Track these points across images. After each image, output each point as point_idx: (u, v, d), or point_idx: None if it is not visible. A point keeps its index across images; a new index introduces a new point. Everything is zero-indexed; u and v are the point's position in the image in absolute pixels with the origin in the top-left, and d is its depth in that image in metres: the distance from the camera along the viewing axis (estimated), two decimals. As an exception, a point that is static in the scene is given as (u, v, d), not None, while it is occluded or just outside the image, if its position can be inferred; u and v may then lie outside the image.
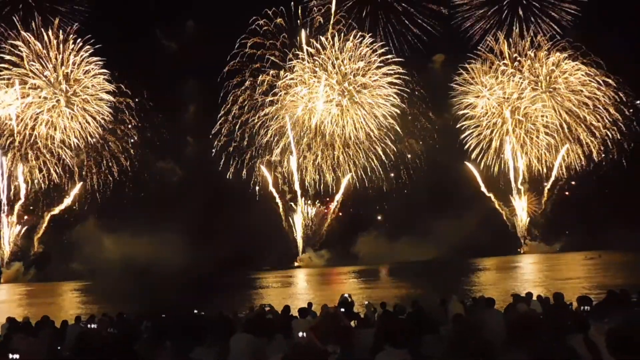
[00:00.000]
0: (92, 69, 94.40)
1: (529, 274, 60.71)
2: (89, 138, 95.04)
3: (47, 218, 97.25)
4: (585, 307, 13.67)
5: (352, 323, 14.27)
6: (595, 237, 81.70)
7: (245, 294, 48.10)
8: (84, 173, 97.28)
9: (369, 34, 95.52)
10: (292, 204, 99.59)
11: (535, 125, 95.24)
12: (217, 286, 62.82)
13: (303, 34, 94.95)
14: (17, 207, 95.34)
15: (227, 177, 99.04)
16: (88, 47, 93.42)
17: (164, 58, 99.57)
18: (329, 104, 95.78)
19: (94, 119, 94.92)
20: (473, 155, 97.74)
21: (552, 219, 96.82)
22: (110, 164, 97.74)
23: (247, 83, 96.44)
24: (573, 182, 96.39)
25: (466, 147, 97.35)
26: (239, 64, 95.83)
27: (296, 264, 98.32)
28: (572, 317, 10.42)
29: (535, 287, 35.11)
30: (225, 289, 57.75)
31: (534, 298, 17.12)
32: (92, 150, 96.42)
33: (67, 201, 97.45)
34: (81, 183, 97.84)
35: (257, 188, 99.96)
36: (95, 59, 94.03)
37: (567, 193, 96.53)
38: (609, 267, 56.28)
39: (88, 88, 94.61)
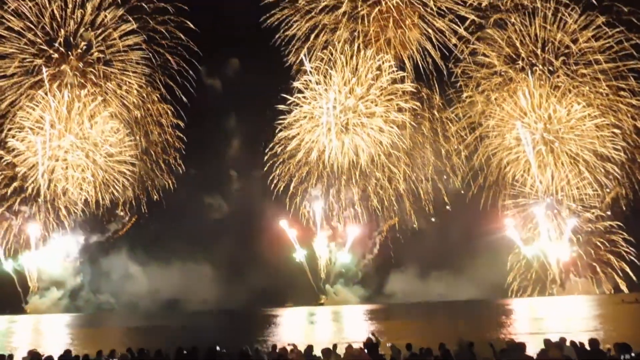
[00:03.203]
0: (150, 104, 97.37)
1: (565, 316, 58.59)
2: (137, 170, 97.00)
3: (84, 247, 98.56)
4: (625, 356, 12.93)
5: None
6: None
7: (272, 330, 47.50)
8: (127, 207, 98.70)
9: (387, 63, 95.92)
10: (330, 243, 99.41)
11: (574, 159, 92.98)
12: (244, 321, 62.40)
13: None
14: (55, 235, 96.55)
15: (265, 213, 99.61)
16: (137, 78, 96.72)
17: (207, 94, 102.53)
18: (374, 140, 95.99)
19: (145, 151, 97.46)
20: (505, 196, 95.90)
21: (591, 259, 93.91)
22: (155, 199, 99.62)
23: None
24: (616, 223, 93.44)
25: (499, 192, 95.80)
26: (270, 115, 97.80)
27: (321, 300, 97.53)
28: (609, 366, 9.86)
29: (570, 331, 33.71)
30: (250, 325, 57.23)
31: (568, 344, 16.33)
32: (139, 184, 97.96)
33: (112, 231, 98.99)
34: (135, 217, 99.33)
35: (289, 225, 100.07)
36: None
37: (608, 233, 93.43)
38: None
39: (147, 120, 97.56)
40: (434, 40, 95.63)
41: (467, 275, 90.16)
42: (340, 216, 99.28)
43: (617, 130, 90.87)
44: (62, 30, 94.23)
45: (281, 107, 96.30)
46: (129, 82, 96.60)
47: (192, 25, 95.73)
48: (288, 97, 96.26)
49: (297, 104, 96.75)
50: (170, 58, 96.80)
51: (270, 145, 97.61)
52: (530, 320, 53.49)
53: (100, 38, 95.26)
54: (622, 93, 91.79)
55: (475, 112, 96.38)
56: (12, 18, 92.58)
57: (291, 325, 55.79)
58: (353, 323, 57.43)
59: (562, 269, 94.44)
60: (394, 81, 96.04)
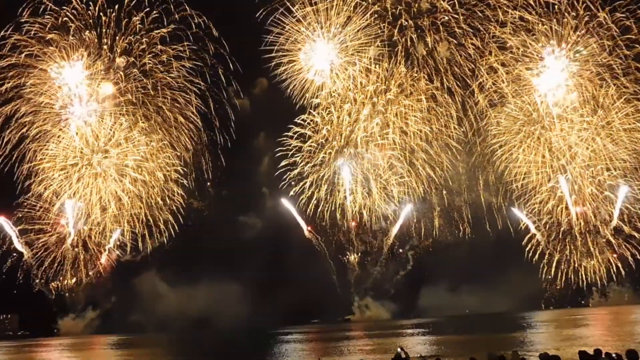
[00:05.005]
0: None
1: (602, 327, 56.88)
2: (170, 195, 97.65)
3: (116, 266, 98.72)
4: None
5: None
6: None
7: (304, 348, 47.16)
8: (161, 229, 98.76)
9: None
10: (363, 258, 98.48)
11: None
12: (274, 340, 62.18)
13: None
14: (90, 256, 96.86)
15: (295, 230, 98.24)
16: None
17: (237, 114, 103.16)
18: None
19: (174, 179, 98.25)
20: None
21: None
22: (188, 222, 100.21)
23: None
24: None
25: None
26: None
27: (349, 316, 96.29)
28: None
29: (606, 342, 32.62)
30: (281, 343, 56.97)
31: (603, 355, 15.78)
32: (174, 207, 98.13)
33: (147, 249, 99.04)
34: (173, 235, 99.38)
35: (319, 241, 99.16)
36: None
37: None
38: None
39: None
40: (464, 57, 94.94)
41: (499, 288, 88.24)
42: (373, 231, 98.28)
43: None
44: (99, 62, 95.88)
45: (307, 130, 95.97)
46: (167, 109, 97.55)
47: (221, 50, 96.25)
48: (315, 115, 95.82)
49: (325, 124, 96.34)
50: (202, 83, 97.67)
51: (298, 168, 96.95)
52: (568, 330, 52.10)
53: (138, 65, 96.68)
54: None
55: (506, 128, 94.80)
56: (54, 51, 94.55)
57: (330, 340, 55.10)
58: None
59: (602, 276, 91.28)
60: (427, 99, 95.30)
